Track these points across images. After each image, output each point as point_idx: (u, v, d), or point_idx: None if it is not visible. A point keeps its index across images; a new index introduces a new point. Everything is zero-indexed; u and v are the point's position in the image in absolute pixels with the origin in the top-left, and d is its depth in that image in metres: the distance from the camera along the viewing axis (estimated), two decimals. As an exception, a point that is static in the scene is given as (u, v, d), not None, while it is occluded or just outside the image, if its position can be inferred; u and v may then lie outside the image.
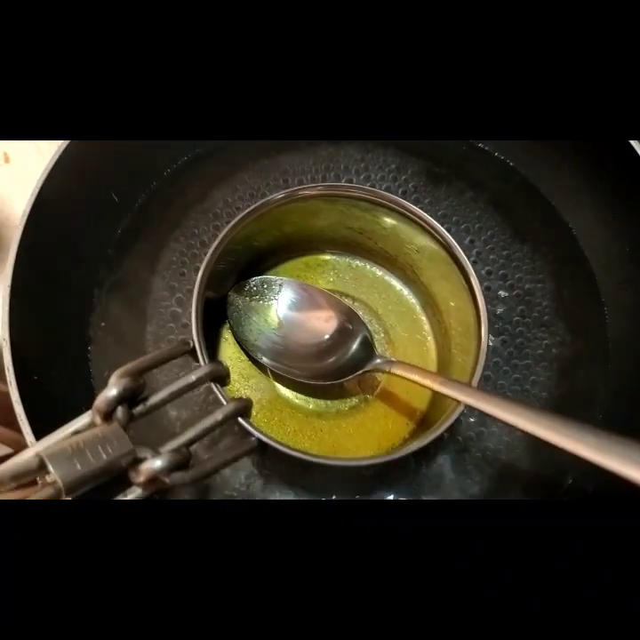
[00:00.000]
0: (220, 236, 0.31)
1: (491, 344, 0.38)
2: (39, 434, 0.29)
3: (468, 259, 0.32)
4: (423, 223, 0.33)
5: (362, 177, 0.42)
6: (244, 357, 0.36)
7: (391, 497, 0.34)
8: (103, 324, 0.38)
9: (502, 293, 0.39)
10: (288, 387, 0.35)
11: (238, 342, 0.35)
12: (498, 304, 0.39)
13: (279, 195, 0.32)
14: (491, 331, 0.38)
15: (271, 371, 0.35)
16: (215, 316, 0.36)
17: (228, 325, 0.36)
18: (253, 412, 0.34)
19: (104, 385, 0.35)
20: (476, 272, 0.31)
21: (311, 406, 0.35)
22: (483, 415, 0.35)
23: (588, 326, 0.39)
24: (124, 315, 0.39)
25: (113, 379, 0.25)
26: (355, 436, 0.34)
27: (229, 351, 0.36)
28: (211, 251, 0.31)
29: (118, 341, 0.38)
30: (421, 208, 0.32)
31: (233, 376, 0.35)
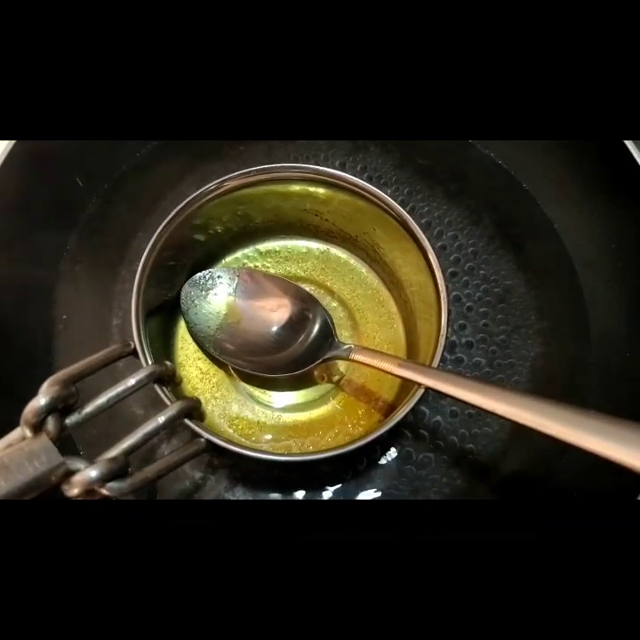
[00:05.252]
0: (159, 228, 0.30)
1: (474, 343, 0.36)
2: None
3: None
4: (375, 199, 0.31)
5: (346, 167, 0.41)
6: (202, 355, 0.34)
7: (352, 491, 0.33)
8: (65, 317, 0.36)
9: (484, 289, 0.38)
10: (251, 382, 0.34)
11: (195, 340, 0.34)
12: (479, 301, 0.37)
13: (211, 186, 0.31)
14: (473, 330, 0.37)
15: (232, 367, 0.34)
16: (170, 314, 0.34)
17: (184, 323, 0.35)
18: (216, 411, 0.33)
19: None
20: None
21: (276, 399, 0.34)
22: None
23: (572, 325, 0.37)
24: (89, 307, 0.37)
25: (42, 387, 0.24)
26: (322, 427, 0.33)
27: (188, 350, 0.34)
28: (149, 245, 0.30)
29: (82, 336, 0.36)
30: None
31: (193, 375, 0.34)
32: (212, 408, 0.33)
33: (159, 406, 0.27)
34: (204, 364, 0.34)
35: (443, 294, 0.29)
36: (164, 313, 0.34)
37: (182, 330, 0.35)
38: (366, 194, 0.31)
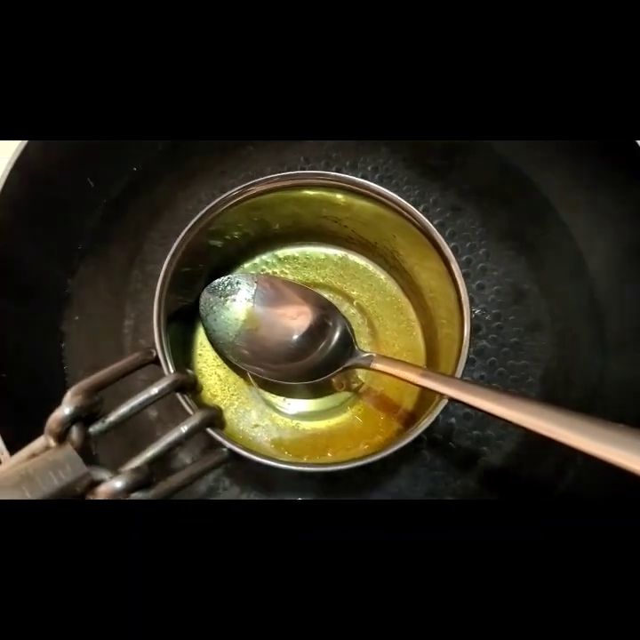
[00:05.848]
0: (180, 236, 0.30)
1: (488, 344, 0.36)
2: (8, 436, 0.28)
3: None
4: (396, 206, 0.31)
5: (357, 168, 0.40)
6: (221, 362, 0.34)
7: (366, 494, 0.33)
8: (77, 318, 0.36)
9: (496, 291, 0.37)
10: (269, 390, 0.34)
11: (214, 346, 0.34)
12: (492, 303, 0.37)
13: (234, 191, 0.31)
14: (486, 331, 0.36)
15: (251, 374, 0.34)
16: (189, 320, 0.34)
17: (203, 329, 0.34)
18: (235, 418, 0.33)
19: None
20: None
21: (294, 407, 0.34)
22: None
23: (586, 326, 0.36)
24: (100, 308, 0.37)
25: (67, 396, 0.24)
26: (341, 436, 0.33)
27: (208, 357, 0.34)
28: (170, 254, 0.29)
29: (94, 337, 0.36)
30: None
31: (212, 382, 0.34)
32: (231, 415, 0.33)
33: (174, 408, 0.26)
34: (223, 371, 0.34)
35: (465, 305, 0.28)
36: (183, 319, 0.34)
37: (201, 336, 0.34)
38: (389, 202, 0.31)
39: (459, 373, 0.28)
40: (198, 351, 0.34)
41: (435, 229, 0.30)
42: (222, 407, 0.32)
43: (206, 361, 0.34)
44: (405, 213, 0.31)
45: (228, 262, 0.36)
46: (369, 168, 0.40)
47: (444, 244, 0.30)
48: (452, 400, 0.26)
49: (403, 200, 0.30)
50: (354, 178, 0.31)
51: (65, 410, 0.23)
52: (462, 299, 0.29)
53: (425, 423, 0.27)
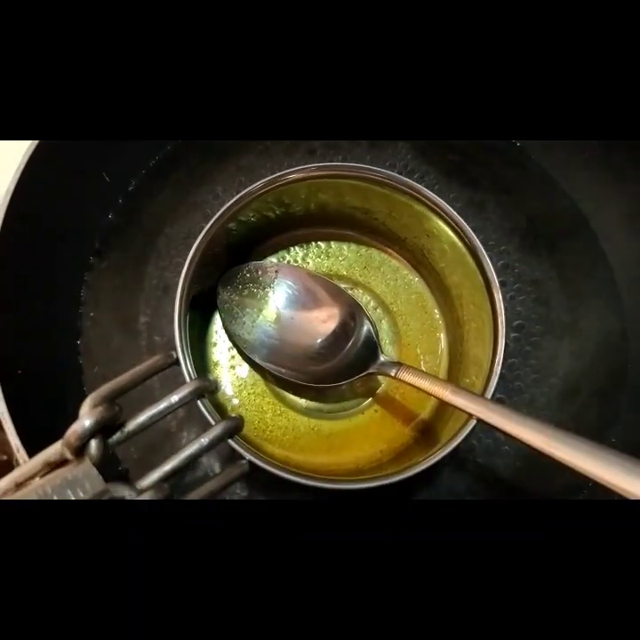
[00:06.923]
0: (203, 231, 0.28)
1: (509, 343, 0.35)
2: (24, 432, 0.27)
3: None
4: (437, 208, 0.29)
5: (375, 163, 0.38)
6: (236, 354, 0.33)
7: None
8: (92, 314, 0.35)
9: (517, 288, 0.36)
10: (285, 388, 0.33)
11: (230, 338, 0.32)
12: (513, 300, 0.36)
13: (259, 184, 0.29)
14: (507, 329, 0.34)
15: (266, 370, 0.32)
16: (205, 308, 0.33)
17: (218, 317, 0.33)
18: (250, 415, 0.32)
19: (94, 381, 0.33)
20: (491, 265, 0.28)
21: (311, 406, 0.33)
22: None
23: (609, 324, 0.35)
24: (116, 305, 0.36)
25: (85, 407, 0.22)
26: (358, 439, 0.32)
27: (223, 349, 0.33)
28: (191, 252, 0.28)
29: (109, 333, 0.35)
30: None
31: (227, 376, 0.33)
32: (245, 412, 0.32)
33: (192, 405, 0.26)
34: (239, 366, 0.33)
35: (501, 324, 0.27)
36: (199, 307, 0.32)
37: (217, 326, 0.33)
38: (428, 201, 0.29)
39: (489, 394, 0.27)
40: (213, 340, 0.33)
41: (474, 235, 0.29)
42: (237, 403, 0.31)
43: (221, 352, 0.33)
44: (445, 216, 0.29)
45: (248, 250, 0.34)
46: (387, 163, 0.39)
47: (483, 252, 0.29)
48: (481, 422, 0.25)
49: (444, 203, 0.29)
50: (394, 174, 0.30)
51: (85, 422, 0.22)
52: (498, 316, 0.28)
53: (451, 444, 0.26)
